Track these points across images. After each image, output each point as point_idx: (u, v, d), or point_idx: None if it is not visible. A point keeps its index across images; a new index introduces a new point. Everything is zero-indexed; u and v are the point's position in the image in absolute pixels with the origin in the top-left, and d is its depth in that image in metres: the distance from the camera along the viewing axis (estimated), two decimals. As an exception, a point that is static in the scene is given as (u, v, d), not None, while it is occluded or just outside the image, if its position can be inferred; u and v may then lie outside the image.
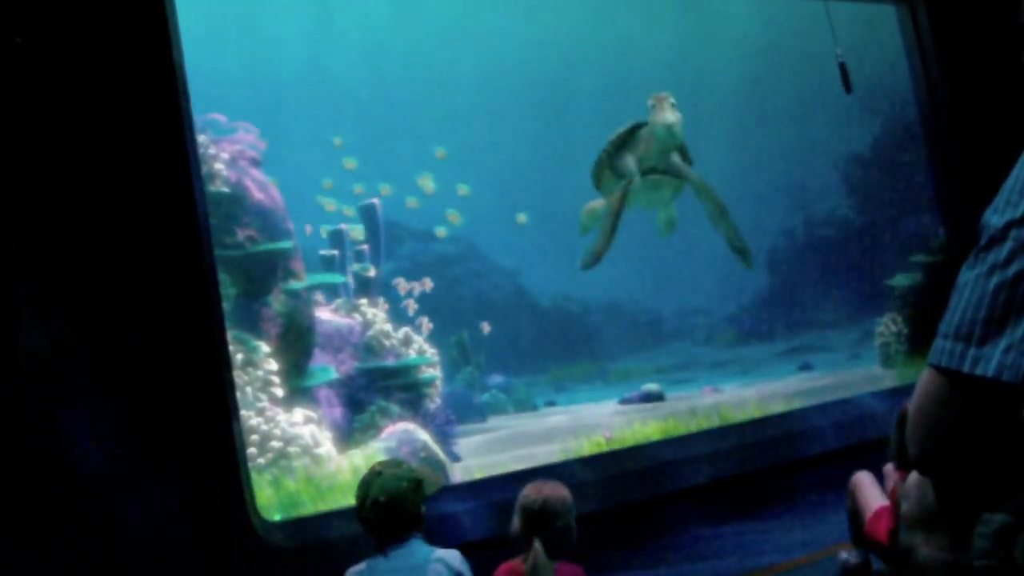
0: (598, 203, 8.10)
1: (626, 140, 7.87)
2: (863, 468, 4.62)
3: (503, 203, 8.47)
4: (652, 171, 7.79)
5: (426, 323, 7.77)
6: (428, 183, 8.27)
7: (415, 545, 3.38)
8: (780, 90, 9.26)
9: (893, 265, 9.22)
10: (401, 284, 7.94)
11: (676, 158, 7.82)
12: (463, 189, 8.37)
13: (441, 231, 8.51)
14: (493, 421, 7.96)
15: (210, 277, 5.66)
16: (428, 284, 7.99)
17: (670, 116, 7.54)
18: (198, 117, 5.85)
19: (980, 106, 8.05)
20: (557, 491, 3.59)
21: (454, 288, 8.85)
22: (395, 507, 3.35)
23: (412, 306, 7.85)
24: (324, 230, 7.47)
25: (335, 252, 7.41)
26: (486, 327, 8.33)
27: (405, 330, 7.38)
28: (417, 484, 3.43)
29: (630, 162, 7.77)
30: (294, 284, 6.63)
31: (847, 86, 6.43)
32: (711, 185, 7.91)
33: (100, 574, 4.99)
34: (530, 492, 3.60)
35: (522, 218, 8.53)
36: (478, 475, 6.77)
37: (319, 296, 7.05)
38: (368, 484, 3.42)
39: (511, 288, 9.30)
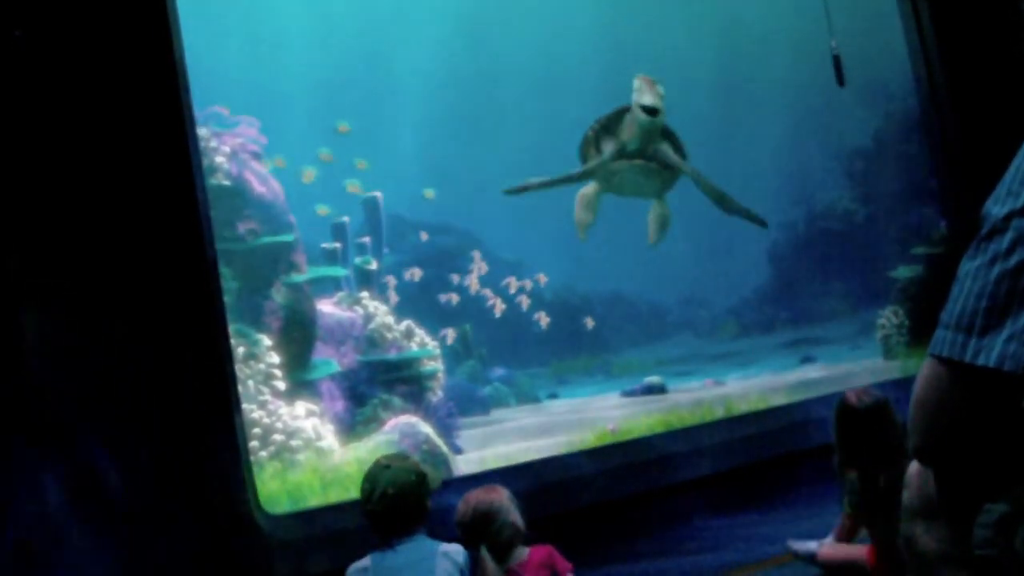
0: (590, 189, 8.12)
1: (613, 121, 7.92)
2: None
3: (504, 197, 8.42)
4: (638, 155, 7.82)
5: (544, 317, 7.84)
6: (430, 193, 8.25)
7: (420, 539, 3.39)
8: (781, 83, 9.24)
9: (894, 257, 9.21)
10: (512, 283, 7.99)
11: (666, 147, 7.85)
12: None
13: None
14: (496, 414, 7.95)
15: (212, 270, 5.66)
16: (543, 279, 8.06)
17: (649, 98, 7.54)
18: (199, 111, 5.85)
19: (981, 97, 8.03)
20: (483, 497, 3.61)
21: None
22: (403, 499, 3.36)
23: (525, 301, 7.92)
24: None
25: (337, 245, 7.40)
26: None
27: (407, 323, 7.37)
28: (423, 478, 3.46)
29: (613, 143, 7.83)
30: (296, 277, 6.63)
31: (840, 79, 6.46)
32: (703, 174, 7.99)
33: (101, 568, 5.00)
34: (460, 507, 3.65)
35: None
36: (481, 468, 6.77)
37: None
38: (375, 477, 3.42)
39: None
